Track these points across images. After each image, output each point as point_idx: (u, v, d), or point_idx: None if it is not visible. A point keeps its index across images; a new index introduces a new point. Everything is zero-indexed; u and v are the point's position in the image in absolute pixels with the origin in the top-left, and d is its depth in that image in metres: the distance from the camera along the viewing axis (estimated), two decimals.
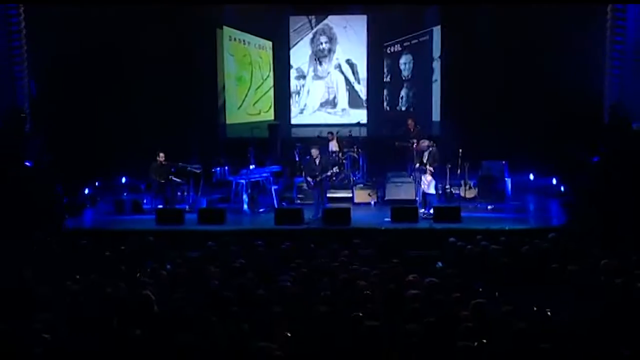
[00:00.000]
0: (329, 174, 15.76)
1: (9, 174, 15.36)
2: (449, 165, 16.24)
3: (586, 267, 10.21)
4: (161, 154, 16.13)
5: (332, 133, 17.92)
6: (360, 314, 7.51)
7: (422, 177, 15.63)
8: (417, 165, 15.89)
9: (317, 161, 15.62)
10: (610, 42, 16.64)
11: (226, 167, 17.12)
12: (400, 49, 20.07)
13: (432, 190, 15.72)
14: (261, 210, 16.10)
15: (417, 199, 16.21)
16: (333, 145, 17.47)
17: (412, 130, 17.61)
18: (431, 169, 15.64)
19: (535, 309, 8.46)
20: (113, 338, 7.25)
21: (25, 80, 16.61)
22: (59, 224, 14.93)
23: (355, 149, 17.91)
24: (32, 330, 7.30)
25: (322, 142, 16.96)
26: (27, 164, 16.25)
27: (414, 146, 17.30)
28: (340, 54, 20.36)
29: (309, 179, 15.72)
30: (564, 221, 15.00)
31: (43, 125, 16.81)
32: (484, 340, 6.87)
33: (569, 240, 12.40)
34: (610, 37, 16.65)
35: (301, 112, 20.63)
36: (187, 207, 16.23)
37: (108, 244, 12.39)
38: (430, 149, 15.77)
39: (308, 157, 16.10)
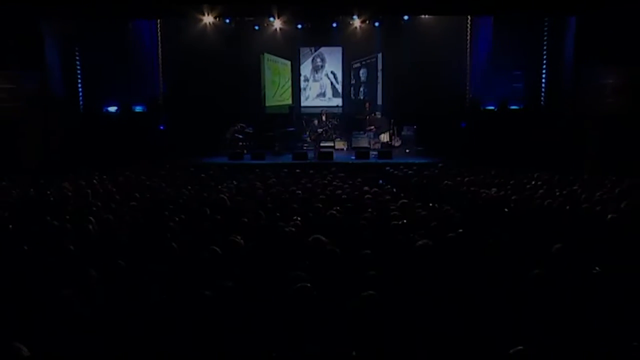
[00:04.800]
0: (326, 131, 15.80)
1: (151, 134, 15.62)
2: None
3: (455, 182, 10.22)
4: (238, 123, 16.17)
5: (324, 111, 17.59)
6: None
7: (394, 137, 15.90)
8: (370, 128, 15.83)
9: (321, 125, 15.64)
10: (469, 54, 16.17)
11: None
12: (360, 65, 19.62)
13: (397, 143, 15.81)
14: (285, 152, 16.00)
15: (369, 146, 16.14)
16: (323, 117, 17.29)
17: (367, 109, 17.46)
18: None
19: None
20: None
21: (160, 80, 16.30)
22: (176, 160, 14.89)
23: (336, 119, 17.76)
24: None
25: (317, 117, 16.76)
26: (161, 127, 16.23)
27: (367, 118, 17.19)
28: (327, 68, 19.82)
29: (313, 135, 15.66)
30: (446, 158, 14.90)
31: (170, 106, 16.47)
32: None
33: (449, 168, 12.42)
34: (469, 50, 16.10)
35: (306, 99, 20.19)
36: (245, 150, 16.08)
37: (203, 170, 12.35)
38: (391, 120, 16.10)
39: (315, 122, 15.92)
